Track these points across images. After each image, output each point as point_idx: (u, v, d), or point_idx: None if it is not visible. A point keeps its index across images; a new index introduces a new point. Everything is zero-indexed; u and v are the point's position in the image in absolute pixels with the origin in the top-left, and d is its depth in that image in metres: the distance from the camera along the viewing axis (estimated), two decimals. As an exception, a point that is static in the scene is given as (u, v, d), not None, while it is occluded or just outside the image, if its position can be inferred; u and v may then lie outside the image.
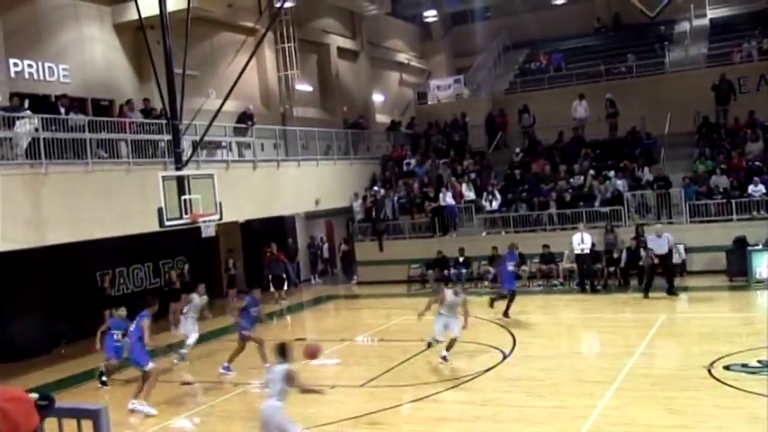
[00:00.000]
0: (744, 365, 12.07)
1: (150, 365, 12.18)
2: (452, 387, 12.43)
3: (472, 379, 12.73)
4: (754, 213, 20.87)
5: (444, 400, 11.84)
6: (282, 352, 8.63)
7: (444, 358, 13.54)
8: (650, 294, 18.63)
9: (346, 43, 31.17)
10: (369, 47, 32.44)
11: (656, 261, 18.67)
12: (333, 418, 11.16)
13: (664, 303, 18.18)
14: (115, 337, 13.48)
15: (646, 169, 23.62)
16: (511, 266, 17.73)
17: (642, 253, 20.10)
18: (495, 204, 24.50)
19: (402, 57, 35.59)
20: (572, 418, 10.33)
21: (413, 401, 11.88)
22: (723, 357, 12.57)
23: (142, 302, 13.03)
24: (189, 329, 15.50)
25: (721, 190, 21.86)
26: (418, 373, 13.37)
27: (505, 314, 17.21)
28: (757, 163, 22.44)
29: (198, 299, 15.70)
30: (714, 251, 20.44)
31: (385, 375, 13.41)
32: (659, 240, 18.73)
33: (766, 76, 24.72)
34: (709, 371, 11.93)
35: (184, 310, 15.74)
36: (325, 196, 24.67)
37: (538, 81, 30.40)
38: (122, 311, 13.81)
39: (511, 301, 17.40)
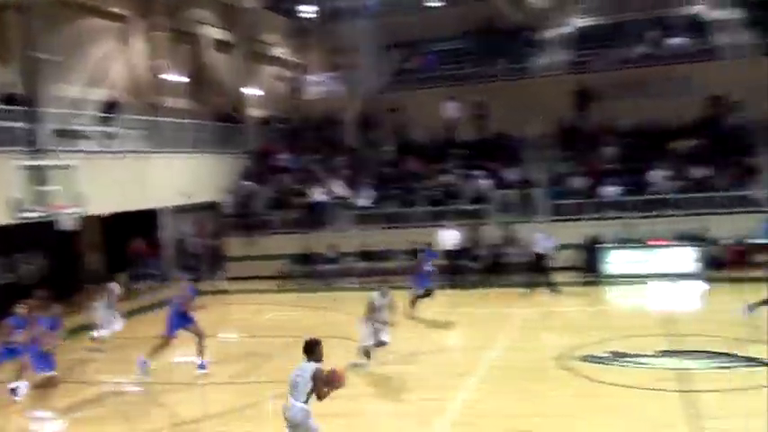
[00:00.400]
0: (597, 356, 12.83)
1: (48, 372, 11.24)
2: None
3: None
4: (608, 213, 22.20)
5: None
6: (310, 349, 8.04)
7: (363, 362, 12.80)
8: (514, 290, 19.51)
9: (221, 35, 30.58)
10: (244, 40, 31.95)
11: (535, 258, 19.60)
12: (200, 415, 10.99)
13: (526, 298, 19.02)
14: (14, 338, 11.79)
15: (511, 169, 24.64)
16: (428, 266, 17.64)
17: (512, 250, 21.02)
18: (366, 201, 24.79)
19: (278, 51, 35.27)
20: (436, 410, 10.64)
21: (277, 397, 11.84)
22: (579, 349, 13.32)
23: (44, 307, 12.03)
24: (108, 319, 15.11)
25: (579, 191, 23.14)
26: (286, 368, 13.31)
27: (411, 311, 17.13)
28: (612, 166, 23.88)
29: (117, 289, 15.41)
30: (571, 248, 21.51)
31: (253, 371, 13.31)
32: (546, 239, 19.64)
33: (626, 83, 26.15)
34: (566, 362, 12.59)
35: (103, 300, 15.24)
36: (195, 190, 24.10)
37: (412, 81, 30.88)
38: (22, 308, 12.07)
39: (423, 297, 17.34)
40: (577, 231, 21.68)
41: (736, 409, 9.92)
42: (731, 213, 21.24)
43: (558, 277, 20.22)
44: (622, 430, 9.54)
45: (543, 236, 19.76)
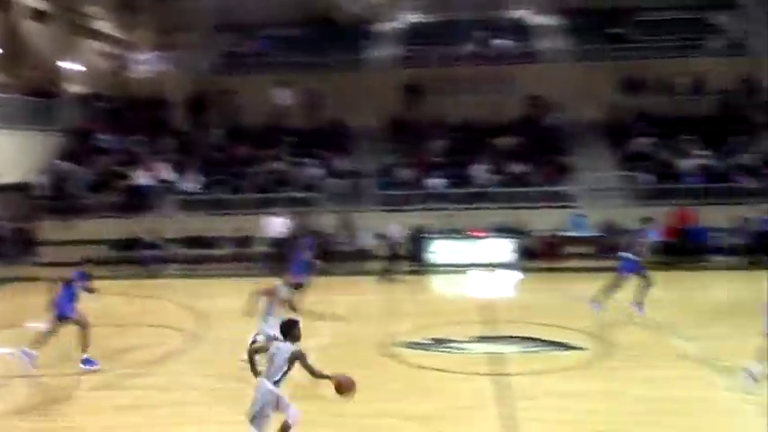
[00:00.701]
0: (418, 343, 13.19)
1: None
2: (136, 373, 12.03)
3: (157, 363, 12.43)
4: (433, 204, 22.93)
5: (128, 386, 11.41)
6: (286, 330, 8.00)
7: None
8: (342, 278, 19.72)
9: (38, 3, 28.51)
10: (64, 10, 29.98)
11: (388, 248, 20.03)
12: (3, 412, 10.22)
13: (353, 286, 19.31)
14: None
15: (342, 159, 24.83)
16: (306, 254, 16.46)
17: (342, 238, 21.37)
18: (193, 186, 24.08)
19: (102, 25, 33.43)
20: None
21: (94, 390, 11.28)
22: (401, 336, 13.65)
23: None
24: None
25: (406, 182, 23.74)
26: (98, 359, 12.69)
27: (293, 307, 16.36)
28: (438, 159, 24.68)
29: None
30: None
31: (64, 362, 12.53)
32: (398, 230, 20.24)
33: (454, 80, 27.02)
34: (388, 349, 12.84)
35: None
36: (4, 169, 22.40)
37: (244, 66, 30.27)
38: None
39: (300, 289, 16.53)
40: (403, 221, 22.19)
41: (545, 391, 10.52)
42: (545, 207, 22.61)
43: (385, 266, 20.68)
44: (436, 412, 9.84)
45: (397, 227, 20.30)
